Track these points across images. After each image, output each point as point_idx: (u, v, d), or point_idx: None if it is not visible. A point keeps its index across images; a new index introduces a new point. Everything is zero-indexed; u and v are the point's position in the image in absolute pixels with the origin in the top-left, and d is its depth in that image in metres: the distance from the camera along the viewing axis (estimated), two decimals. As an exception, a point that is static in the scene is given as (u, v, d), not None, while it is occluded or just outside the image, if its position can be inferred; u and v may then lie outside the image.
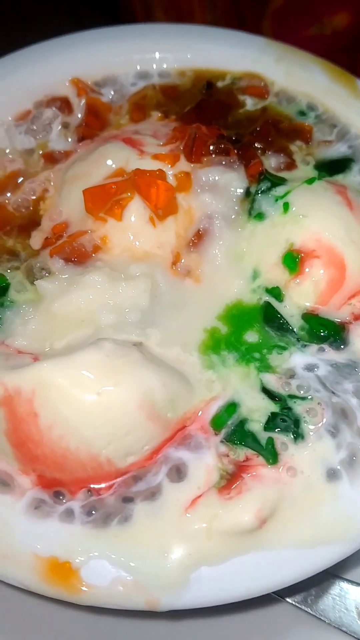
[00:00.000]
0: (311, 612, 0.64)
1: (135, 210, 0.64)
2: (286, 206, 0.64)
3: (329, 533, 0.52)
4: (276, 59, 0.78)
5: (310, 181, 0.65)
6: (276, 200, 0.65)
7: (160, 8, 1.03)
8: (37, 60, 0.79)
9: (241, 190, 0.66)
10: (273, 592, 0.60)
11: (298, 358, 0.60)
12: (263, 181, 0.66)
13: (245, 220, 0.66)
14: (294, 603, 0.64)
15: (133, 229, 0.64)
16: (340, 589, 0.65)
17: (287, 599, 0.64)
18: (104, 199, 0.64)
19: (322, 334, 0.61)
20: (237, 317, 0.63)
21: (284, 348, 0.61)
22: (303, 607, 0.64)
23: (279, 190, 0.66)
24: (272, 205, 0.65)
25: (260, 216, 0.65)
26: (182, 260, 0.65)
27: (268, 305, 0.62)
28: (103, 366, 0.53)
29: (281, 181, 0.67)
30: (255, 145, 0.70)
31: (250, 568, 0.51)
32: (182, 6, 1.02)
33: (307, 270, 0.61)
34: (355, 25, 0.97)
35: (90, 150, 0.70)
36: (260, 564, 0.51)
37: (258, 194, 0.66)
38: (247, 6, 1.00)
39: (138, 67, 0.79)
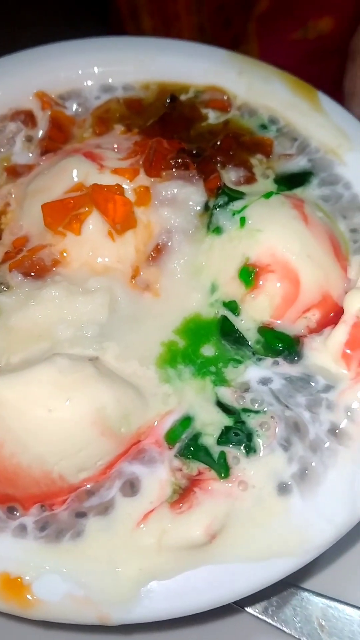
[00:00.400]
0: (272, 622, 0.65)
1: (94, 225, 0.65)
2: (243, 220, 0.65)
3: (279, 547, 0.53)
4: (238, 72, 0.79)
5: (267, 195, 0.66)
6: (233, 214, 0.66)
7: (146, 12, 1.03)
8: (2, 73, 0.79)
9: (200, 205, 0.67)
10: (233, 603, 0.60)
11: (253, 372, 0.61)
12: (221, 195, 0.67)
13: (204, 234, 0.67)
14: (254, 613, 0.65)
15: (92, 243, 0.65)
16: (301, 599, 0.66)
17: (248, 609, 0.65)
18: (63, 214, 0.64)
19: (278, 347, 0.61)
20: (195, 330, 0.63)
21: (240, 362, 0.61)
22: (264, 617, 0.65)
23: (237, 205, 0.66)
24: (229, 220, 0.66)
25: (217, 230, 0.66)
26: (141, 274, 0.66)
27: (225, 319, 0.63)
28: (56, 382, 0.53)
29: (239, 195, 0.68)
30: (216, 159, 0.71)
31: (201, 582, 0.52)
32: (168, 10, 1.03)
33: (262, 284, 0.62)
34: (340, 30, 0.98)
35: (51, 164, 0.71)
36: (210, 577, 0.52)
37: (216, 208, 0.67)
38: (233, 10, 1.01)
39: (102, 81, 0.80)
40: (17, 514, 0.54)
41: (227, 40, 1.03)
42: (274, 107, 0.77)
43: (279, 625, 0.65)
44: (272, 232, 0.63)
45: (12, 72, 0.79)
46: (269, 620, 0.65)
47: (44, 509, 0.54)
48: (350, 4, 0.93)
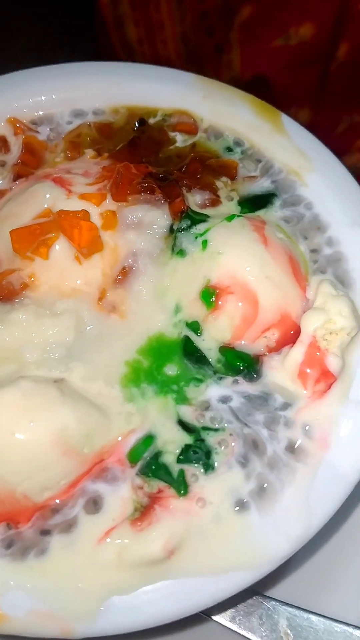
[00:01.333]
0: (239, 630, 0.67)
1: (61, 249, 0.67)
2: (204, 243, 0.67)
3: (237, 561, 0.55)
4: (204, 95, 0.81)
5: (229, 218, 0.68)
6: (196, 237, 0.68)
7: (130, 21, 1.05)
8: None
9: (165, 228, 0.69)
10: (201, 612, 0.62)
11: (213, 390, 0.63)
12: (184, 219, 0.69)
13: (168, 256, 0.69)
14: (222, 622, 0.67)
15: (59, 267, 0.67)
16: (268, 608, 0.68)
17: (215, 618, 0.67)
18: (30, 239, 0.67)
19: (238, 366, 0.63)
20: (159, 350, 0.65)
21: (201, 380, 0.64)
22: (231, 626, 0.67)
23: (200, 228, 0.69)
24: (192, 243, 0.68)
25: (181, 253, 0.68)
26: (108, 296, 0.68)
27: (187, 339, 0.65)
28: (19, 405, 0.55)
29: (203, 218, 0.70)
30: (183, 182, 0.73)
31: (160, 596, 0.54)
32: (152, 19, 1.04)
33: (222, 305, 0.64)
34: (321, 36, 1.00)
35: (22, 190, 0.73)
36: (168, 591, 0.54)
37: (180, 231, 0.69)
38: (215, 18, 1.02)
39: (73, 106, 0.82)
40: (-16, 533, 0.56)
41: (211, 48, 1.04)
42: (238, 130, 0.80)
43: (245, 634, 0.67)
44: (232, 254, 0.65)
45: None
46: (237, 629, 0.67)
47: (10, 527, 0.56)
48: (330, 10, 0.94)
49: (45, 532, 0.56)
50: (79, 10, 1.13)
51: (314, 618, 0.68)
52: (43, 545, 0.55)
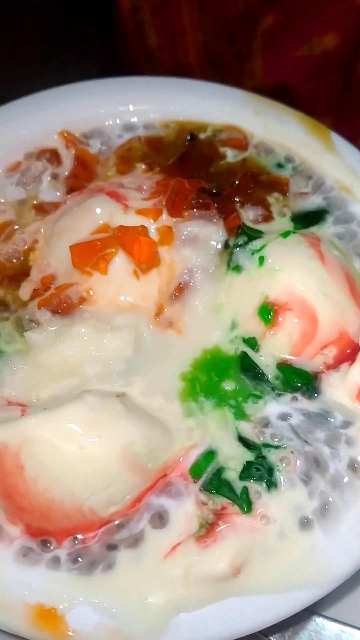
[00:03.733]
0: (286, 646, 0.67)
1: (120, 265, 0.68)
2: (261, 260, 0.67)
3: (300, 579, 0.55)
4: (255, 112, 0.82)
5: (285, 235, 0.69)
6: (252, 253, 0.69)
7: (151, 27, 1.05)
8: (27, 112, 0.82)
9: (220, 244, 0.70)
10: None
11: (272, 407, 0.63)
12: (240, 235, 0.70)
13: (223, 272, 0.70)
14: (269, 637, 0.67)
15: (117, 282, 0.68)
16: (316, 624, 0.68)
17: (262, 634, 0.67)
18: (90, 255, 0.67)
19: (296, 383, 0.64)
20: (215, 365, 0.66)
21: (259, 397, 0.64)
22: (271, 637, 0.67)
23: (256, 244, 0.69)
24: (248, 259, 0.68)
25: (237, 269, 0.69)
26: (165, 312, 0.68)
27: (244, 355, 0.66)
28: (86, 420, 0.56)
29: (258, 234, 0.71)
30: (234, 198, 0.74)
31: (226, 613, 0.54)
32: (173, 26, 1.04)
33: (280, 321, 0.65)
34: (344, 46, 1.00)
35: (77, 203, 0.74)
36: (234, 609, 0.54)
37: (236, 247, 0.70)
38: (237, 26, 1.02)
39: (124, 119, 0.83)
40: (51, 547, 0.57)
41: (232, 56, 1.04)
42: (289, 146, 0.80)
43: (296, 650, 0.67)
44: (290, 271, 0.66)
45: (36, 111, 0.83)
46: (278, 641, 0.67)
47: (76, 542, 0.57)
48: (354, 20, 0.95)
49: (112, 547, 0.56)
50: (86, 11, 1.12)
51: (361, 634, 0.68)
52: (110, 560, 0.56)
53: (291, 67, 1.01)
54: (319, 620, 0.68)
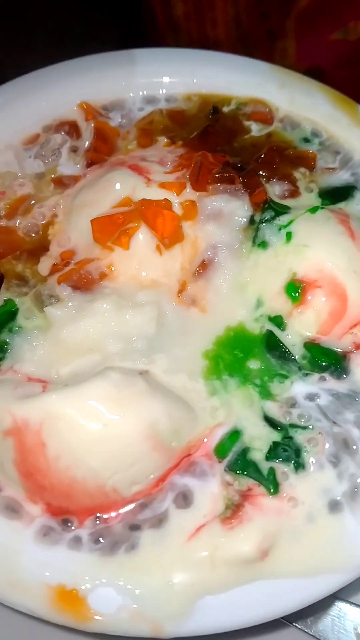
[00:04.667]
0: (310, 633, 0.65)
1: (142, 240, 0.65)
2: (289, 235, 0.65)
3: (329, 563, 0.54)
4: (280, 84, 0.79)
5: (313, 210, 0.67)
6: (279, 229, 0.66)
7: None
8: (46, 84, 0.80)
9: (245, 219, 0.68)
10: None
11: (299, 387, 0.61)
12: (267, 210, 0.68)
13: (248, 249, 0.67)
14: (293, 624, 0.66)
15: (140, 258, 0.66)
16: (339, 610, 0.66)
17: (285, 620, 0.66)
18: (112, 229, 0.65)
19: (323, 363, 0.62)
20: (239, 343, 0.64)
21: (286, 376, 0.62)
22: (302, 628, 0.66)
23: (283, 219, 0.67)
24: (275, 235, 0.66)
25: (263, 245, 0.66)
26: (189, 288, 0.66)
27: (270, 333, 0.64)
28: (110, 397, 0.54)
29: (285, 210, 0.68)
30: (260, 172, 0.72)
31: (252, 597, 0.53)
32: None
33: (309, 299, 0.63)
34: None
35: (98, 177, 0.72)
36: (261, 593, 0.53)
37: (262, 223, 0.67)
38: (271, 4, 0.98)
39: (145, 92, 0.81)
40: (72, 526, 0.55)
41: (263, 33, 1.00)
42: (316, 120, 0.78)
43: (317, 636, 0.66)
44: (319, 248, 0.63)
45: (55, 82, 0.80)
46: (308, 631, 0.66)
47: (98, 522, 0.55)
48: None
49: (135, 527, 0.55)
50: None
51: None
52: (133, 541, 0.54)
53: (324, 51, 0.98)
54: (342, 605, 0.66)
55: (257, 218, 0.68)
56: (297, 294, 0.63)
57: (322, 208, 0.67)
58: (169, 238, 0.65)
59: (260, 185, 0.70)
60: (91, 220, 0.65)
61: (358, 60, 0.98)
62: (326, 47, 0.97)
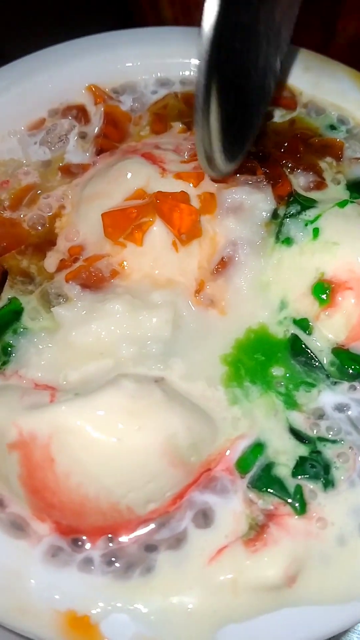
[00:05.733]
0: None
1: (158, 235, 0.61)
2: (316, 232, 0.60)
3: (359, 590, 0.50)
4: (305, 67, 0.74)
5: (342, 204, 0.62)
6: (306, 224, 0.61)
7: (166, 1, 0.96)
8: (51, 65, 0.74)
9: (268, 213, 0.63)
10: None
11: (327, 397, 0.57)
12: (292, 204, 0.63)
13: (272, 246, 0.63)
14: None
15: (154, 255, 0.61)
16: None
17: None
18: (125, 224, 0.60)
19: (354, 371, 0.57)
20: (261, 347, 0.60)
21: (312, 385, 0.58)
22: None
23: (309, 214, 0.62)
24: (301, 230, 0.61)
25: (288, 241, 0.62)
26: (207, 288, 0.62)
27: (295, 337, 0.59)
28: (124, 409, 0.50)
29: (311, 203, 0.63)
30: (284, 162, 0.66)
31: (277, 626, 0.49)
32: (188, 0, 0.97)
33: (338, 301, 0.58)
34: None
35: (109, 166, 0.67)
36: (287, 621, 0.49)
37: (287, 217, 0.62)
38: None
39: (159, 74, 0.75)
40: (83, 547, 0.51)
41: None
42: (343, 106, 0.72)
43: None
44: (350, 245, 0.59)
45: (62, 63, 0.75)
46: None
47: (111, 542, 0.51)
48: None
49: (151, 548, 0.51)
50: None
51: None
52: (149, 563, 0.50)
53: None
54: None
55: (281, 212, 0.63)
56: (325, 296, 0.58)
57: (351, 202, 0.62)
58: (186, 234, 0.60)
59: (284, 176, 0.65)
60: (102, 214, 0.60)
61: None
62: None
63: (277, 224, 0.63)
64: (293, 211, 0.62)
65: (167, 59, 0.75)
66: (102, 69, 0.75)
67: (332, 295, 0.58)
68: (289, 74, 0.74)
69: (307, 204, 0.63)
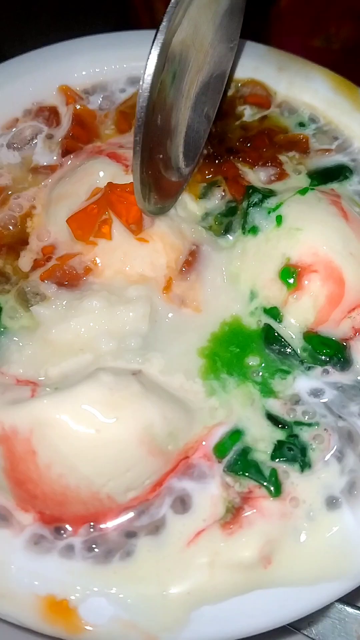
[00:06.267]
0: (311, 636, 0.63)
1: (116, 228, 0.61)
2: (279, 219, 0.61)
3: (330, 570, 0.51)
4: (278, 67, 0.75)
5: (303, 191, 0.63)
6: (269, 212, 0.62)
7: (160, 1, 0.98)
8: (29, 68, 0.75)
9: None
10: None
11: (303, 382, 0.59)
12: (253, 194, 0.64)
13: (235, 236, 0.64)
14: (293, 628, 0.63)
15: (123, 249, 0.62)
16: (340, 612, 0.64)
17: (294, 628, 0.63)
18: (90, 223, 0.61)
19: (325, 354, 0.59)
20: (237, 341, 0.61)
21: (287, 372, 0.59)
22: (303, 631, 0.63)
23: (271, 202, 0.63)
24: (265, 219, 0.62)
25: (254, 230, 0.63)
26: (176, 288, 0.62)
27: (268, 327, 0.60)
28: (102, 401, 0.51)
29: (271, 193, 0.65)
30: (246, 158, 0.68)
31: (251, 607, 0.50)
32: None
33: (305, 285, 0.59)
34: None
35: (75, 166, 0.68)
36: (260, 603, 0.50)
37: (250, 207, 0.64)
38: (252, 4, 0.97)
39: (130, 72, 0.76)
40: (65, 535, 0.52)
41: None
42: (316, 105, 0.73)
43: (317, 639, 0.63)
44: (313, 230, 0.60)
45: (36, 67, 0.75)
46: (308, 634, 0.63)
47: (93, 529, 0.53)
48: None
49: (131, 534, 0.52)
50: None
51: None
52: (128, 548, 0.52)
53: (307, 58, 0.96)
54: (343, 608, 0.63)
55: (244, 204, 0.64)
56: (292, 280, 0.59)
57: (312, 189, 0.64)
58: (135, 224, 0.61)
59: (238, 175, 0.67)
60: (67, 220, 0.62)
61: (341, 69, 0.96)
62: (309, 54, 0.94)
63: (242, 215, 0.64)
64: (255, 200, 0.64)
65: (140, 62, 0.76)
66: (77, 71, 0.75)
67: (298, 278, 0.59)
68: (264, 73, 0.75)
69: (267, 194, 0.64)
